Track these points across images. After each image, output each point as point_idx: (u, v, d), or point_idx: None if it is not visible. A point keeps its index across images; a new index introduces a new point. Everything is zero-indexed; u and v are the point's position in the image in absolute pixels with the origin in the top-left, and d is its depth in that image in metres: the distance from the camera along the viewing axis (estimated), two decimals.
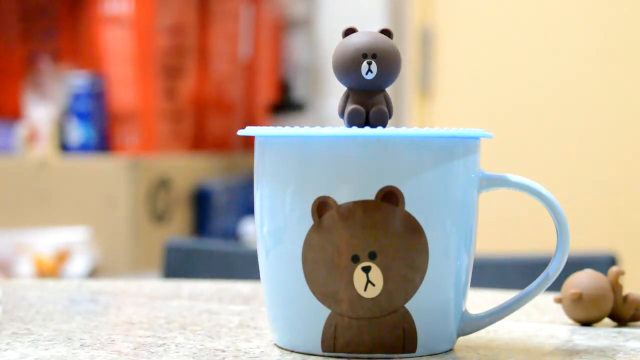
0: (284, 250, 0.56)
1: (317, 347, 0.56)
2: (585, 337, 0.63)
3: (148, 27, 2.20)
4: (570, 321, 0.68)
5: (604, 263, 1.10)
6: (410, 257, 0.55)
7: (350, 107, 0.56)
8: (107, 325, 0.69)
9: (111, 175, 2.11)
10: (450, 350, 0.58)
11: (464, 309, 0.58)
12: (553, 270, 0.58)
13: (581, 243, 1.34)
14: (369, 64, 0.55)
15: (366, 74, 0.55)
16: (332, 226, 0.54)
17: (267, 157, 0.57)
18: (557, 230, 0.57)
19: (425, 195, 0.55)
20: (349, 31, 0.56)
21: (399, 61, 0.56)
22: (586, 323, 0.66)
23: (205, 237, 2.23)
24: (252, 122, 2.54)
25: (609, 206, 2.33)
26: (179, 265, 1.24)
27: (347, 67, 0.55)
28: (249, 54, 2.52)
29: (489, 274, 1.12)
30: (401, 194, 0.54)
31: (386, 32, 0.56)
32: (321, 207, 0.54)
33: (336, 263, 0.54)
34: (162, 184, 2.18)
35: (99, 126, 2.21)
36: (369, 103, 0.56)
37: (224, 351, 0.57)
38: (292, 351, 0.57)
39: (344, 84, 0.57)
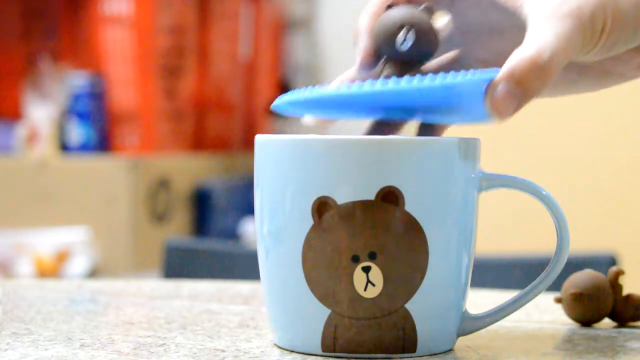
0: (284, 250, 0.56)
1: (317, 347, 0.56)
2: (585, 337, 0.63)
3: (148, 27, 2.21)
4: (570, 321, 0.68)
5: (604, 263, 1.10)
6: (410, 257, 0.55)
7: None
8: (107, 325, 0.69)
9: (111, 175, 2.11)
10: (450, 350, 0.58)
11: (464, 309, 0.58)
12: (553, 270, 0.58)
13: (581, 243, 1.34)
14: (405, 34, 0.56)
15: (401, 44, 0.55)
16: (332, 226, 0.54)
17: (267, 157, 0.57)
18: (557, 230, 0.57)
19: (425, 195, 0.55)
20: (391, 5, 0.58)
21: (435, 36, 0.57)
22: (586, 323, 0.66)
23: (205, 237, 2.23)
24: (252, 122, 2.54)
25: (609, 206, 2.33)
26: (179, 265, 1.24)
27: (384, 36, 0.56)
28: (249, 54, 2.52)
29: (489, 274, 1.12)
30: (401, 194, 0.54)
31: (428, 9, 0.57)
32: (321, 207, 0.55)
33: (336, 263, 0.55)
34: (162, 184, 2.18)
35: (99, 126, 2.21)
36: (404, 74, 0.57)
37: (224, 351, 0.58)
38: (292, 351, 0.57)
39: (381, 53, 0.57)
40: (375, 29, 0.58)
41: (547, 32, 0.56)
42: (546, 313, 0.72)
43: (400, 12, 0.57)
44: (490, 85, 0.55)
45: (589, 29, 0.57)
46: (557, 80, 0.64)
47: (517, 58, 0.55)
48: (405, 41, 0.56)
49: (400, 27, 0.56)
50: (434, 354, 0.57)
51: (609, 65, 0.63)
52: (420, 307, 0.55)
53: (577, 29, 0.56)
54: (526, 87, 0.55)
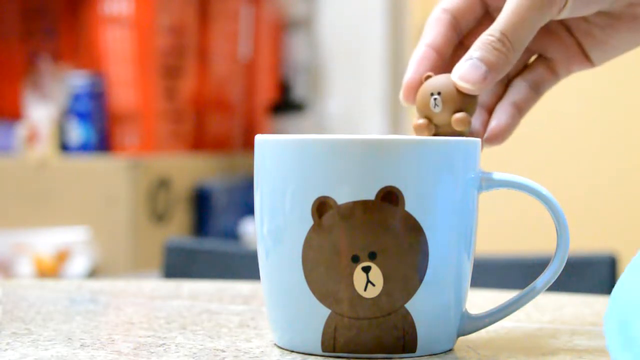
0: (284, 250, 0.56)
1: (317, 347, 0.56)
2: (586, 337, 0.63)
3: (148, 27, 2.21)
4: (569, 321, 0.68)
5: (604, 263, 1.10)
6: (410, 257, 0.55)
7: None
8: (107, 325, 0.69)
9: (111, 175, 2.11)
10: (450, 350, 0.58)
11: (464, 309, 0.58)
12: (553, 271, 0.58)
13: (581, 243, 1.34)
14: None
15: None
16: (332, 226, 0.54)
17: (267, 157, 0.57)
18: (557, 230, 0.57)
19: (425, 195, 0.55)
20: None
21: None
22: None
23: (205, 237, 2.23)
24: (252, 122, 2.54)
25: (609, 206, 2.33)
26: (179, 265, 1.24)
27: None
28: (249, 54, 2.52)
29: (489, 274, 1.12)
30: (401, 194, 0.54)
31: None
32: (321, 207, 0.55)
33: (336, 263, 0.55)
34: (162, 184, 2.18)
35: (99, 126, 2.21)
36: None
37: (224, 351, 0.58)
38: (292, 351, 0.57)
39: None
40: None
41: (506, 8, 0.61)
42: (546, 313, 0.72)
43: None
44: (460, 61, 0.61)
45: None
46: (594, 31, 0.66)
47: (480, 38, 0.61)
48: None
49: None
50: (434, 354, 0.57)
51: (633, 10, 0.65)
52: (420, 307, 0.55)
53: None
54: (489, 64, 0.60)
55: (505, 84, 0.68)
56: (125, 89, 2.22)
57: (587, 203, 2.32)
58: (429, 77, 0.62)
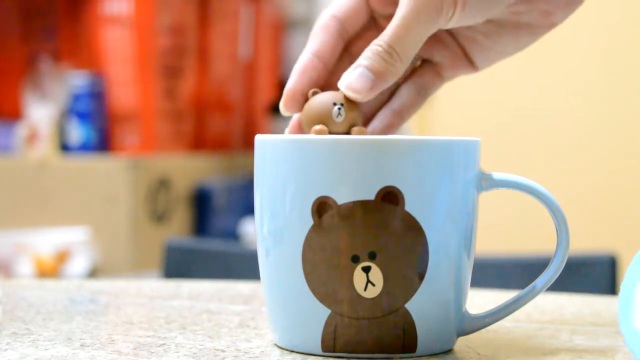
0: (284, 250, 0.56)
1: (317, 347, 0.56)
2: (586, 337, 0.63)
3: (148, 27, 2.20)
4: (570, 321, 0.67)
5: (604, 263, 1.10)
6: (410, 257, 0.55)
7: None
8: (107, 325, 0.69)
9: (111, 175, 2.11)
10: (450, 350, 0.58)
11: (464, 309, 0.58)
12: (553, 270, 0.58)
13: (581, 243, 1.34)
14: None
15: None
16: (332, 226, 0.54)
17: (267, 157, 0.57)
18: (557, 230, 0.57)
19: (425, 195, 0.55)
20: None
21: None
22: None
23: (205, 237, 2.23)
24: (252, 122, 2.54)
25: (608, 206, 2.33)
26: (179, 265, 1.24)
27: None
28: (249, 54, 2.52)
29: (489, 274, 1.12)
30: (401, 194, 0.54)
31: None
32: (321, 207, 0.55)
33: (336, 263, 0.55)
34: (162, 184, 2.18)
35: (99, 126, 2.21)
36: None
37: (224, 351, 0.58)
38: (292, 351, 0.57)
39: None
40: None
41: (394, 19, 0.61)
42: (546, 313, 0.72)
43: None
44: (348, 69, 0.60)
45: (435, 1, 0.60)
46: (478, 37, 0.67)
47: (369, 47, 0.60)
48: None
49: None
50: (434, 354, 0.57)
51: (517, 17, 0.65)
52: (420, 307, 0.55)
53: (422, 6, 0.60)
54: (377, 73, 0.60)
55: (392, 91, 0.68)
56: (125, 89, 2.22)
57: (587, 203, 2.32)
58: (316, 92, 0.62)
